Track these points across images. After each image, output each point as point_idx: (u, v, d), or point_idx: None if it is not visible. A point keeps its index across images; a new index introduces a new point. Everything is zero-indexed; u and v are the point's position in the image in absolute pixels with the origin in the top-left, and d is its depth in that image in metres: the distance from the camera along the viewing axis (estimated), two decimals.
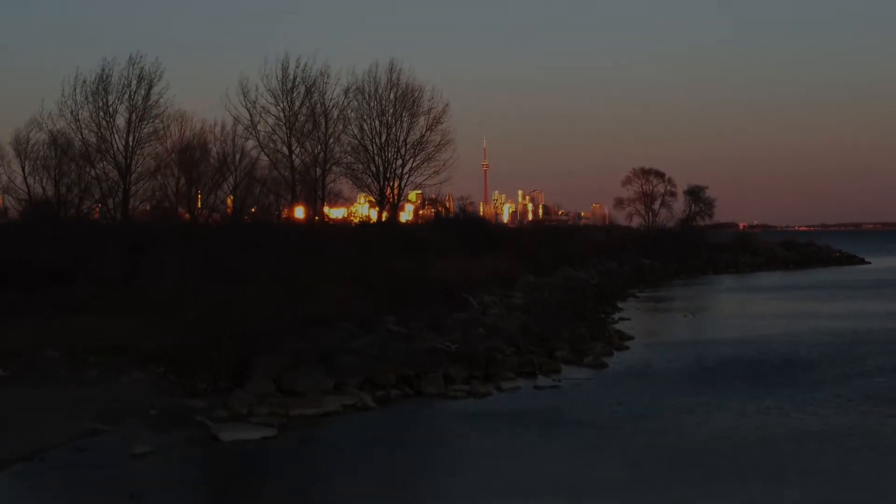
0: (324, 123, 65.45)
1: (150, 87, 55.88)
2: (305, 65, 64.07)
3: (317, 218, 67.01)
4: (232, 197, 62.31)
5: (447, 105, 70.61)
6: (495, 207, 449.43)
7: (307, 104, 64.49)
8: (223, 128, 62.17)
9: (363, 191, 73.42)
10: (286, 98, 63.13)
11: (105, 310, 33.19)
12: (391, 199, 70.05)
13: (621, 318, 48.52)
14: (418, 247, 57.31)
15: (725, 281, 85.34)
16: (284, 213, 65.70)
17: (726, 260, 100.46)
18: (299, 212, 67.94)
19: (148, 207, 57.49)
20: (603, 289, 64.45)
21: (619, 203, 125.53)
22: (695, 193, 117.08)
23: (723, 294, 68.59)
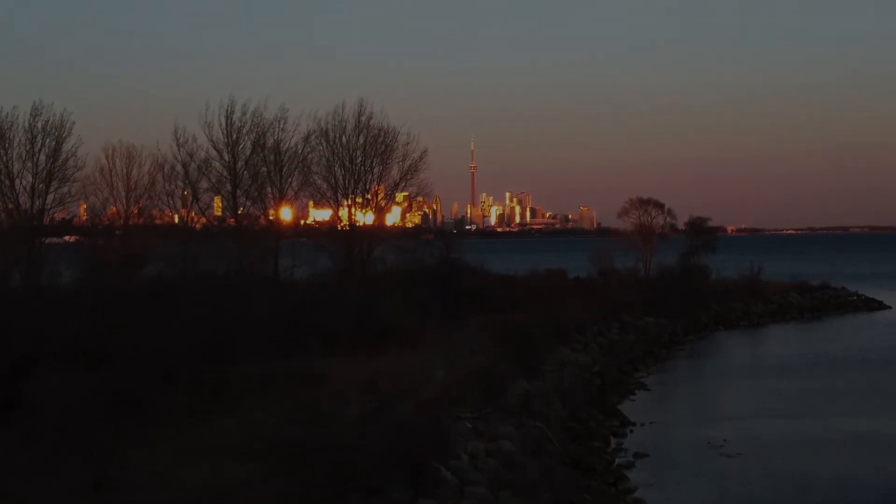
0: (279, 176, 55.78)
1: (60, 143, 46.21)
2: (255, 110, 54.30)
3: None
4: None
5: (425, 152, 61.34)
6: (483, 210, 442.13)
7: (259, 154, 54.73)
8: (172, 168, 53.28)
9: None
10: (230, 151, 53.26)
11: None
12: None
13: (637, 456, 38.83)
14: (382, 333, 47.26)
15: (739, 348, 75.84)
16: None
17: (737, 311, 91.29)
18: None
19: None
20: (606, 378, 55.35)
21: (616, 234, 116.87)
22: (697, 225, 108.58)
23: (742, 382, 58.23)
